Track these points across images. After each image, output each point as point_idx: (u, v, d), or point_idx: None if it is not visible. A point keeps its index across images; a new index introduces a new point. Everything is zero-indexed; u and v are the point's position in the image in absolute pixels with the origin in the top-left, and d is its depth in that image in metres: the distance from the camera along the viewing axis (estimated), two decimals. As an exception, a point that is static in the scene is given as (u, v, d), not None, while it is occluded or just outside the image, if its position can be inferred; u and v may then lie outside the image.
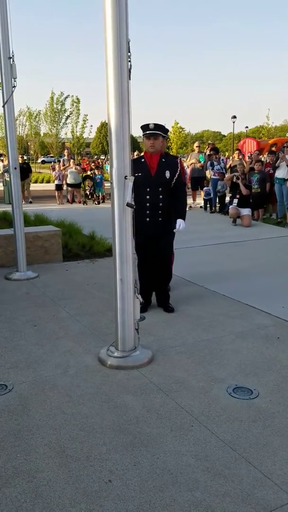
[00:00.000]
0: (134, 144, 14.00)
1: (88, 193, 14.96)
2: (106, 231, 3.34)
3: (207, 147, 14.19)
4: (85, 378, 3.20)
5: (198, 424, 2.65)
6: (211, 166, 11.83)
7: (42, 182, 24.38)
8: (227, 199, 11.12)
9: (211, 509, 2.03)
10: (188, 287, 5.30)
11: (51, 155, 40.00)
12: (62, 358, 3.51)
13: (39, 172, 30.30)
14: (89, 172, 15.83)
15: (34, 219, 8.66)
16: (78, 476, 2.24)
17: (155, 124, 4.19)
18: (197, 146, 13.14)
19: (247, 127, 56.95)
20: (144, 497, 2.10)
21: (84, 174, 15.58)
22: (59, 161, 18.15)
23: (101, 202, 14.41)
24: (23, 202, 13.94)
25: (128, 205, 3.22)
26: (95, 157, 30.35)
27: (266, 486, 2.17)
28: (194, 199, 12.98)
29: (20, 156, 16.54)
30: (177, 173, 4.37)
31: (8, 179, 6.00)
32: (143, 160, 4.33)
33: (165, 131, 4.48)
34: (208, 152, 12.55)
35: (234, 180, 9.97)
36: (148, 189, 4.24)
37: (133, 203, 3.29)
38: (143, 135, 4.26)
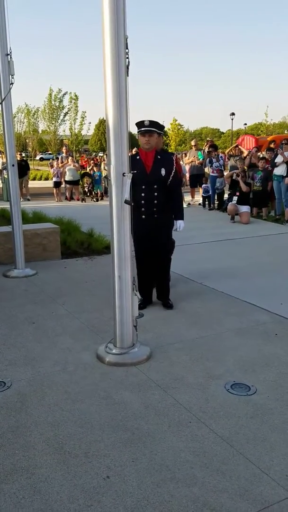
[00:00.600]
0: (133, 141, 14.00)
1: (86, 190, 14.94)
2: (105, 228, 3.35)
3: (205, 144, 14.17)
4: (84, 375, 3.21)
5: (196, 420, 2.66)
6: (210, 163, 11.82)
7: (40, 179, 24.35)
8: (226, 196, 11.12)
9: (209, 504, 2.04)
10: (187, 284, 5.31)
11: (49, 152, 39.96)
12: (61, 355, 3.52)
13: (37, 169, 30.27)
14: (87, 169, 15.81)
15: (33, 216, 8.67)
16: (76, 472, 2.25)
17: (150, 121, 4.20)
18: (194, 145, 13.11)
19: (245, 124, 56.96)
20: (142, 493, 2.11)
21: (82, 171, 15.56)
22: (57, 158, 18.12)
23: (99, 199, 14.40)
24: (21, 200, 14.00)
25: (126, 202, 3.22)
26: (94, 154, 30.31)
27: (263, 481, 2.18)
28: (192, 196, 12.98)
29: (18, 153, 16.52)
30: (173, 171, 4.37)
31: (6, 176, 5.98)
32: (138, 157, 4.33)
33: (161, 128, 4.48)
34: (207, 149, 12.53)
35: (234, 178, 9.97)
36: (143, 186, 4.24)
37: (130, 200, 3.29)
38: (138, 132, 4.27)
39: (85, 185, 14.97)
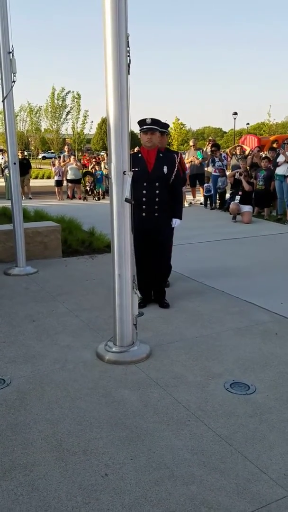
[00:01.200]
0: (135, 140, 13.97)
1: (88, 189, 14.94)
2: (106, 227, 3.35)
3: (207, 143, 14.15)
4: (83, 373, 3.21)
5: (195, 419, 2.66)
6: (213, 162, 11.80)
7: (42, 178, 24.35)
8: (228, 195, 11.11)
9: (207, 502, 2.04)
10: (187, 283, 5.31)
11: (52, 151, 39.94)
12: (61, 353, 3.52)
13: (40, 168, 30.26)
14: (89, 168, 15.81)
15: (34, 214, 8.66)
16: (74, 469, 2.25)
17: (152, 119, 4.19)
18: (192, 145, 13.09)
19: (248, 123, 56.89)
20: (140, 491, 2.11)
21: (84, 170, 15.56)
22: (59, 157, 18.12)
23: (101, 198, 14.40)
24: (23, 198, 14.01)
25: (127, 200, 3.22)
26: (96, 153, 30.33)
27: (261, 480, 2.18)
28: (194, 196, 12.97)
29: (20, 151, 16.53)
30: (176, 169, 4.36)
31: (8, 174, 5.99)
32: (140, 155, 4.32)
33: (164, 126, 4.47)
34: (209, 149, 12.51)
35: (236, 177, 9.95)
36: (145, 184, 4.24)
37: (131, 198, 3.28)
38: (140, 130, 4.26)
39: (86, 184, 14.97)
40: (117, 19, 3.01)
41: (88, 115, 34.77)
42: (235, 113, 43.46)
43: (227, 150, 12.92)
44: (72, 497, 2.07)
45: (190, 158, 12.59)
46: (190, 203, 12.46)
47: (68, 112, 35.12)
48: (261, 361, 3.36)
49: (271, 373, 3.19)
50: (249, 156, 11.60)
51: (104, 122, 50.26)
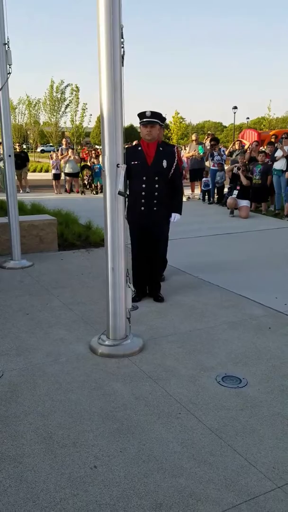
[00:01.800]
0: (134, 133, 13.89)
1: (86, 182, 14.89)
2: (103, 221, 3.33)
3: (206, 137, 14.08)
4: (76, 366, 3.21)
5: (186, 411, 2.66)
6: (211, 156, 11.76)
7: (40, 171, 24.26)
8: (226, 190, 11.08)
9: (195, 495, 2.05)
10: (183, 277, 5.30)
11: (51, 144, 39.77)
12: (54, 346, 3.52)
13: (38, 162, 30.14)
14: (88, 162, 15.74)
15: (31, 208, 8.64)
16: (63, 461, 2.25)
17: (152, 112, 4.15)
18: (194, 139, 13.04)
19: (248, 118, 56.65)
20: (129, 483, 2.11)
21: (82, 164, 15.50)
22: (57, 150, 18.03)
23: (99, 191, 14.35)
24: (20, 191, 13.95)
25: (120, 193, 3.20)
26: (95, 146, 30.18)
27: (250, 473, 2.18)
28: (192, 190, 12.93)
29: (18, 144, 16.43)
30: (175, 163, 4.34)
31: (3, 166, 5.95)
32: (139, 148, 4.28)
33: (162, 119, 4.44)
34: (208, 143, 12.45)
35: (234, 172, 9.92)
36: (144, 178, 4.21)
37: (124, 191, 3.26)
38: (140, 123, 4.23)
39: (84, 178, 14.92)
40: (110, 10, 2.98)
41: (86, 108, 34.60)
42: (235, 107, 43.27)
43: (226, 151, 12.83)
44: (61, 489, 2.07)
45: (191, 152, 12.55)
46: (188, 197, 12.43)
47: (67, 105, 34.96)
48: (254, 355, 3.36)
49: (263, 366, 3.19)
50: (247, 151, 11.56)
51: (103, 115, 49.90)
